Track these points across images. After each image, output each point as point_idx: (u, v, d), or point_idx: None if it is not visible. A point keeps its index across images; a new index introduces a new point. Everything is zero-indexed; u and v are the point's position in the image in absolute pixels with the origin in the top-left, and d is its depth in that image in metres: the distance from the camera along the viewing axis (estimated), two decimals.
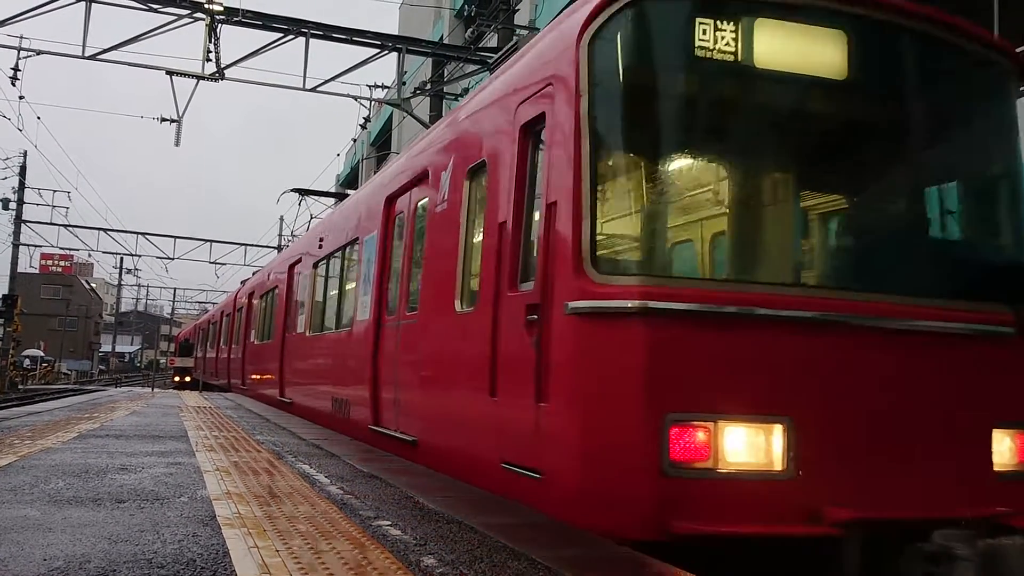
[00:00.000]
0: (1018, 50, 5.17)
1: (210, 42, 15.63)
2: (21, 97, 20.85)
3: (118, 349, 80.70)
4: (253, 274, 23.74)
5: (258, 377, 16.96)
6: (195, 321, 41.80)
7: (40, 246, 39.92)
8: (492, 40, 18.90)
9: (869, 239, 4.71)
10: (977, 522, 3.80)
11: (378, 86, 20.17)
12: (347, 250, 10.09)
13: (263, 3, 21.03)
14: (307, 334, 11.86)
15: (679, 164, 4.63)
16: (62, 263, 77.84)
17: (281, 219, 55.37)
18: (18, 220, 35.38)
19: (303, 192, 23.09)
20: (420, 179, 7.12)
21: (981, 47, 4.85)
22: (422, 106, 23.21)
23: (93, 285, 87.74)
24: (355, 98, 17.97)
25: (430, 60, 19.68)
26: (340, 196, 22.02)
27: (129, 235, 39.66)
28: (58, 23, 19.58)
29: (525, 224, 4.86)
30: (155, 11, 15.44)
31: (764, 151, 4.73)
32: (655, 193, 4.38)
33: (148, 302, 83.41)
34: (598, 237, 4.17)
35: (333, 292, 10.95)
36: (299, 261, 13.49)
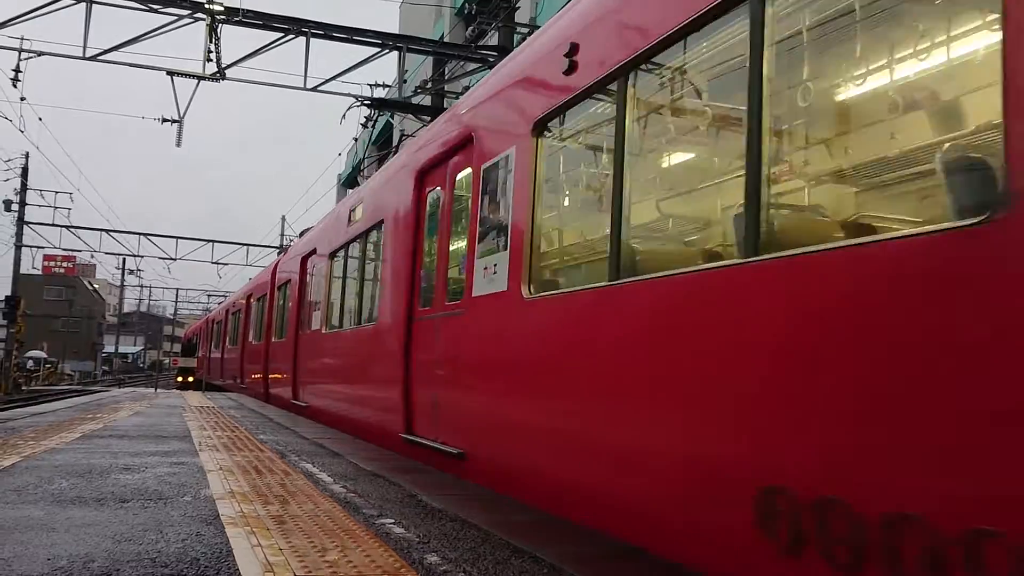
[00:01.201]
0: None
1: (211, 42, 15.63)
2: (23, 99, 20.66)
3: (121, 350, 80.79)
4: (300, 236, 16.29)
5: (332, 387, 10.34)
6: (207, 315, 40.57)
7: (43, 247, 39.98)
8: (493, 38, 18.87)
9: None
10: None
11: (379, 85, 20.17)
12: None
13: (263, 3, 21.06)
14: (529, 295, 4.99)
15: None
16: (65, 264, 78.00)
17: (283, 218, 55.68)
18: (20, 221, 35.42)
19: (380, 104, 16.50)
20: None
21: None
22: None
23: (96, 286, 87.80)
24: (356, 97, 17.95)
25: (431, 59, 19.65)
26: (434, 110, 15.80)
27: (131, 236, 39.67)
28: (59, 24, 19.59)
29: None
30: (155, 11, 15.44)
31: None
32: None
33: (151, 303, 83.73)
34: None
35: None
36: (444, 162, 6.79)
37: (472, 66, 17.74)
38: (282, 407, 13.37)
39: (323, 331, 10.99)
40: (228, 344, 24.41)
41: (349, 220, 10.24)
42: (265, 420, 10.63)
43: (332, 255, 11.17)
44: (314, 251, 12.58)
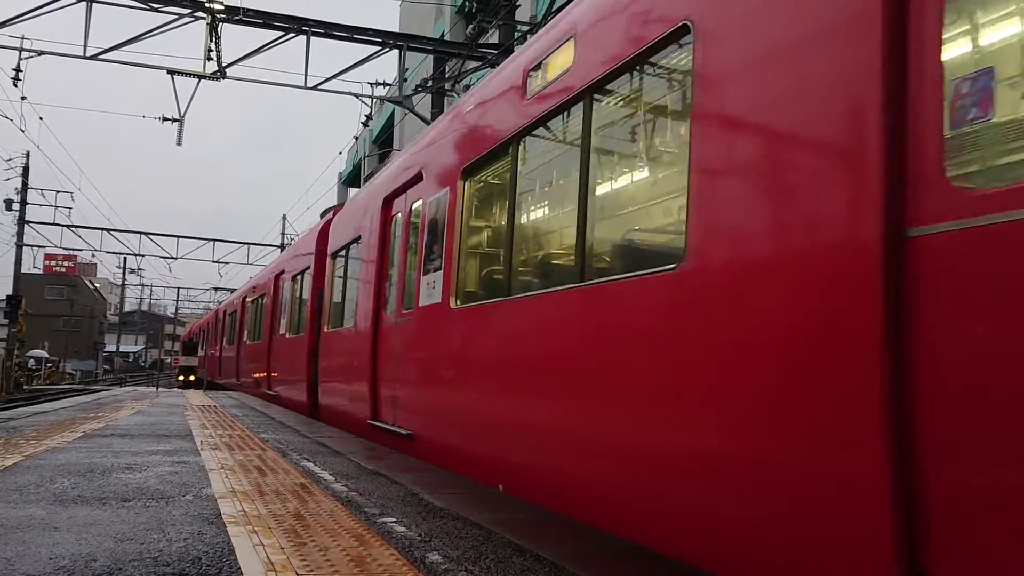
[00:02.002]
0: None
1: (211, 41, 15.64)
2: (23, 98, 20.68)
3: (122, 349, 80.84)
4: (368, 180, 11.07)
5: (486, 409, 5.54)
6: (215, 308, 39.81)
7: (44, 247, 40.03)
8: (493, 36, 18.88)
9: None
10: None
11: (379, 83, 20.17)
12: None
13: (264, 1, 21.08)
14: None
15: None
16: (66, 263, 78.12)
17: (284, 217, 55.66)
18: (21, 221, 35.43)
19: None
20: None
21: None
22: (423, 103, 23.19)
23: (97, 285, 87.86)
24: (357, 96, 17.95)
25: (431, 57, 19.66)
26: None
27: (132, 235, 39.73)
28: (59, 23, 19.61)
29: None
30: (156, 10, 15.44)
31: None
32: None
33: (152, 302, 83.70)
34: None
35: None
36: None
37: (472, 64, 17.74)
38: (349, 429, 9.07)
39: (452, 306, 6.35)
40: (246, 339, 20.33)
41: (524, 88, 5.39)
42: (266, 419, 10.63)
43: (470, 172, 6.40)
44: (416, 180, 7.71)
